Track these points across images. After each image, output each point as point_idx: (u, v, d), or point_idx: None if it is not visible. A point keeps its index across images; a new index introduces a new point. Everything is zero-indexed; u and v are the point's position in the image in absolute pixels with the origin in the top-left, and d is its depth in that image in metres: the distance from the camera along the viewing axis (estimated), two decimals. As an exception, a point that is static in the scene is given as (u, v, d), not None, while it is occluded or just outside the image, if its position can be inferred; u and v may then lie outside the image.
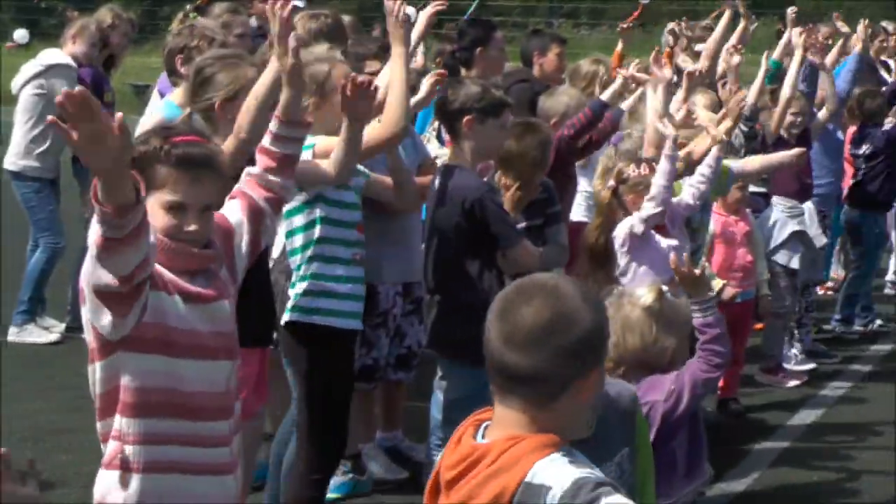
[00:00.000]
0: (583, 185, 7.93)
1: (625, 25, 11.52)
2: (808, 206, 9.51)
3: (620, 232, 6.28)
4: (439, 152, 7.16)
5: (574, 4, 33.80)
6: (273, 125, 4.38)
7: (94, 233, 3.57)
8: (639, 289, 4.87)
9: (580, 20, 33.81)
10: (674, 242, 6.35)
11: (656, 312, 4.59)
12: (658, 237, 6.35)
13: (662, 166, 6.33)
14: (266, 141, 4.36)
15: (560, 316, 2.77)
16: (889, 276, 12.26)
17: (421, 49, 11.45)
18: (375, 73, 6.59)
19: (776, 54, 9.60)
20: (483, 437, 2.88)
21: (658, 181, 6.28)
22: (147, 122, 6.50)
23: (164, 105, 6.59)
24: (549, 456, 2.77)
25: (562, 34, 11.03)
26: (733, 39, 9.63)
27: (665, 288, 4.78)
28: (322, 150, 5.53)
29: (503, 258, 6.12)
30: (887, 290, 12.12)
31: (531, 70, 8.83)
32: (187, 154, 3.96)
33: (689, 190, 6.84)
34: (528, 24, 25.29)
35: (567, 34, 28.58)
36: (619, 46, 11.35)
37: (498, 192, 6.25)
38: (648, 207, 6.25)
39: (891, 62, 12.94)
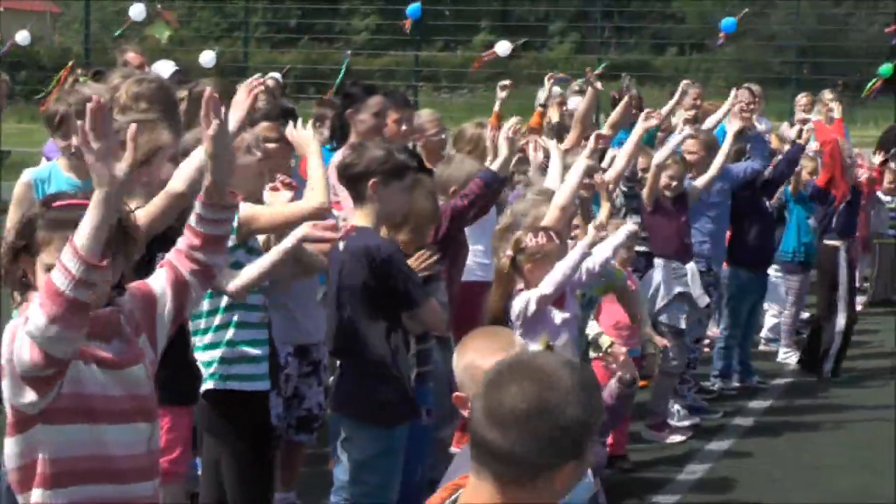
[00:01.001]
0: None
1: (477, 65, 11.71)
2: (691, 266, 9.70)
3: (516, 306, 6.37)
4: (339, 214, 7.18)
5: (434, 68, 34.13)
6: (197, 206, 4.23)
7: (47, 307, 3.59)
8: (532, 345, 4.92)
9: (440, 83, 34.16)
10: (567, 316, 6.46)
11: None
12: (553, 311, 6.43)
13: (573, 255, 6.45)
14: (192, 220, 4.22)
15: (545, 403, 2.73)
16: (763, 333, 12.53)
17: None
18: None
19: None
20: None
21: (563, 266, 6.38)
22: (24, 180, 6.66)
23: (50, 168, 6.65)
24: None
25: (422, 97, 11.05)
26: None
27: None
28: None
29: (410, 318, 6.17)
30: (762, 347, 12.38)
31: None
32: (59, 217, 3.94)
33: (592, 260, 6.97)
34: (388, 87, 25.53)
35: (427, 97, 29.05)
36: (497, 106, 11.53)
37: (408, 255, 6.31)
38: (546, 288, 6.32)
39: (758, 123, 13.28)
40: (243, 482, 5.74)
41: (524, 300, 6.34)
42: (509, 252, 6.51)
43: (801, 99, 15.57)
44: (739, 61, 36.98)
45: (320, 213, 5.96)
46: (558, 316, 6.42)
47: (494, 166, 7.37)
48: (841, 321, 11.47)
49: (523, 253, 6.47)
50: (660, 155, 9.58)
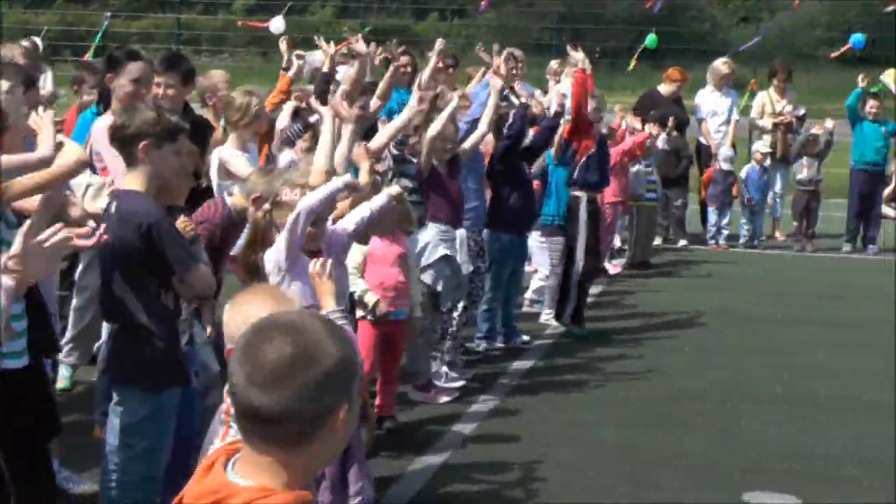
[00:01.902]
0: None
1: None
2: (461, 232, 9.85)
3: (271, 257, 6.39)
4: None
5: (194, 32, 33.69)
6: None
7: None
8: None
9: (201, 47, 33.75)
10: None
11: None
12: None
13: (320, 191, 6.52)
14: None
15: (303, 351, 2.68)
16: (528, 294, 12.79)
17: (50, 76, 11.29)
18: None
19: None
20: (234, 469, 2.79)
21: (312, 198, 6.45)
22: None
23: None
24: None
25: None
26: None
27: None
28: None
29: (180, 282, 6.13)
30: (525, 308, 12.64)
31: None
32: None
33: (351, 217, 7.07)
34: (148, 50, 25.11)
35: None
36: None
37: (175, 219, 6.27)
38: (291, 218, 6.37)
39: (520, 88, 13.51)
40: (7, 460, 5.63)
41: (276, 249, 6.37)
42: (267, 206, 6.56)
43: (553, 65, 15.89)
44: (500, 27, 37.42)
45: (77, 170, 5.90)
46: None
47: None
48: (577, 271, 11.74)
49: (279, 207, 6.51)
50: (435, 125, 9.66)
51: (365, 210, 7.04)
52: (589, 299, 13.35)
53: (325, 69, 10.85)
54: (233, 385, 2.71)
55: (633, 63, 20.89)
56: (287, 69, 11.86)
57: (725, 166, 17.27)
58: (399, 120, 9.08)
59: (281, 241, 6.37)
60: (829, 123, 17.45)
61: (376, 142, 8.68)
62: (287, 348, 2.67)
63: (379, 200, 7.17)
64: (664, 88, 17.54)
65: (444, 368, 9.86)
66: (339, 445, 2.81)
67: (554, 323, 12.10)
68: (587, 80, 11.77)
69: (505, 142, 10.85)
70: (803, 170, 17.35)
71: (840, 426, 9.14)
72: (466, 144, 10.10)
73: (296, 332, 2.71)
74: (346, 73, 11.38)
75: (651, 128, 15.64)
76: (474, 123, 10.35)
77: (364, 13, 29.99)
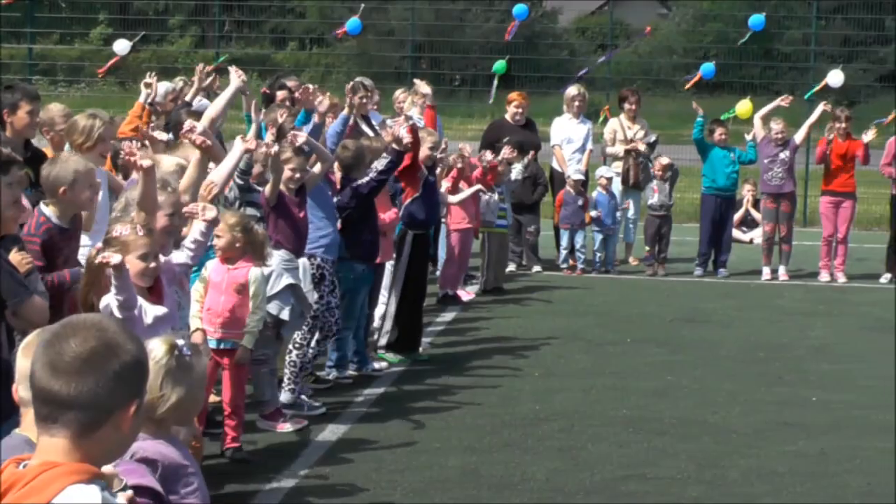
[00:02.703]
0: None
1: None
2: (303, 261, 9.86)
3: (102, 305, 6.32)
4: None
5: (50, 62, 33.30)
6: None
7: None
8: (152, 341, 4.91)
9: (57, 77, 33.34)
10: (161, 313, 6.45)
11: (165, 366, 4.54)
12: (145, 308, 6.41)
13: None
14: None
15: (104, 344, 2.96)
16: (375, 323, 12.79)
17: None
18: None
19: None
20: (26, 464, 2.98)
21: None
22: None
23: None
24: (84, 483, 2.90)
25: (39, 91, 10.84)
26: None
27: (181, 342, 4.80)
28: None
29: (13, 315, 6.06)
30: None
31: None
32: None
33: (184, 252, 7.06)
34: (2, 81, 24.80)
35: (43, 91, 28.28)
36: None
37: (8, 250, 6.20)
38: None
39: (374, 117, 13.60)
40: None
41: (106, 303, 6.27)
42: (99, 244, 6.51)
43: (399, 94, 16.01)
44: (360, 56, 37.51)
45: None
46: (150, 313, 6.38)
47: None
48: (394, 302, 11.84)
49: (110, 244, 6.44)
50: (288, 151, 9.66)
51: (189, 241, 7.05)
52: (441, 326, 13.49)
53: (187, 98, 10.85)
54: (34, 373, 2.98)
55: (494, 92, 21.05)
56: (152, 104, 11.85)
57: (577, 177, 17.35)
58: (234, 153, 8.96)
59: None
60: (665, 160, 17.87)
61: (218, 173, 8.64)
62: (91, 341, 2.96)
63: (194, 232, 7.17)
64: (509, 114, 17.68)
65: (304, 397, 9.90)
66: (125, 442, 3.06)
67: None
68: (431, 118, 12.00)
69: (373, 182, 10.83)
70: (654, 195, 17.61)
71: (685, 448, 9.28)
72: (315, 170, 10.12)
73: (99, 328, 3.00)
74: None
75: (506, 153, 15.81)
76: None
77: (221, 42, 29.86)
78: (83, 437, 2.94)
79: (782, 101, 17.67)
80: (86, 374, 2.93)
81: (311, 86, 10.90)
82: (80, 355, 2.94)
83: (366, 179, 10.77)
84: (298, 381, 10.05)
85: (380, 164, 10.79)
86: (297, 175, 9.75)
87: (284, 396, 9.85)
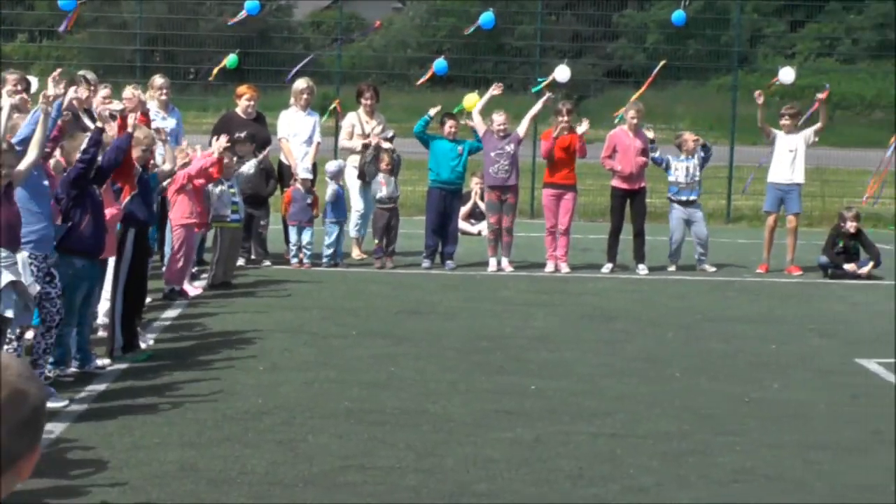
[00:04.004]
0: None
1: None
2: (22, 255, 9.69)
3: None
4: None
5: None
6: None
7: None
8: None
9: None
10: None
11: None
12: None
13: None
14: None
15: (15, 387, 2.71)
16: (99, 320, 12.65)
17: None
18: None
19: None
20: None
21: None
22: None
23: None
24: None
25: None
26: None
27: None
28: None
29: None
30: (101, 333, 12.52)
31: None
32: None
33: None
34: None
35: None
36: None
37: None
38: None
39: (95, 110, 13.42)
40: None
41: None
42: None
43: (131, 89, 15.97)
44: (91, 49, 36.83)
45: None
46: None
47: None
48: (119, 303, 11.75)
49: None
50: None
51: None
52: (167, 322, 13.41)
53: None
54: None
55: (212, 77, 21.06)
56: None
57: (305, 175, 17.48)
58: None
59: None
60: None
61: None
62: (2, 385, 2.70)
63: None
64: (240, 107, 17.72)
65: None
66: (13, 487, 2.81)
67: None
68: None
69: (77, 166, 10.73)
70: (382, 188, 17.80)
71: (404, 437, 9.45)
72: (21, 167, 9.93)
73: (7, 371, 2.72)
74: None
75: (240, 148, 15.81)
76: (23, 143, 10.16)
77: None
78: None
79: (495, 89, 18.12)
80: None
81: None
82: None
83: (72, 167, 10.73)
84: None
85: (82, 146, 10.73)
86: (3, 172, 9.59)
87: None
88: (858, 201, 23.81)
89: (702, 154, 18.60)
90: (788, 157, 18.63)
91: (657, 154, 18.35)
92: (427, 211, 18.10)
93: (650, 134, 18.34)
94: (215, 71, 21.19)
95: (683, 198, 18.47)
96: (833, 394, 11.29)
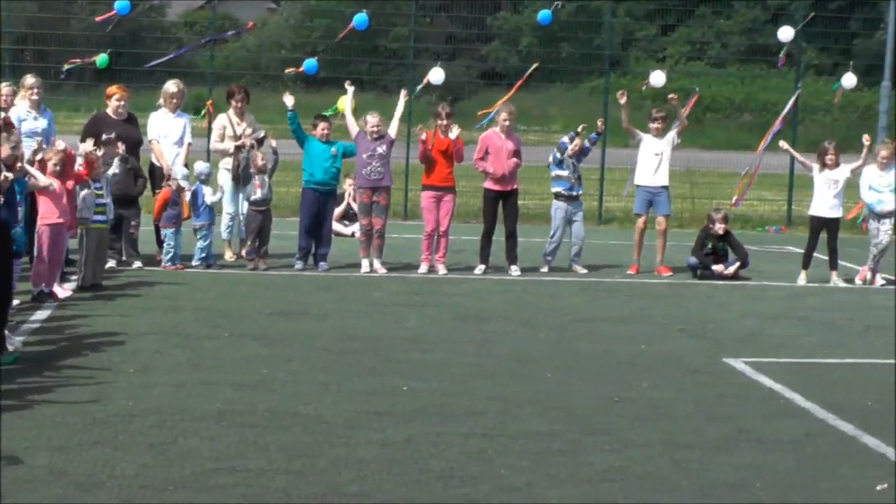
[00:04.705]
0: None
1: None
2: None
3: None
4: None
5: None
6: None
7: None
8: None
9: None
10: None
11: None
12: None
13: None
14: None
15: None
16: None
17: None
18: None
19: None
20: None
21: None
22: None
23: None
24: None
25: None
26: None
27: None
28: None
29: None
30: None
31: None
32: None
33: None
34: None
35: None
36: None
37: None
38: None
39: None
40: None
41: None
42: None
43: (4, 88, 15.80)
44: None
45: None
46: None
47: None
48: None
49: None
50: None
51: None
52: (35, 325, 13.25)
53: None
54: None
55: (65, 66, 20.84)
56: None
57: (184, 183, 17.42)
58: None
59: None
60: (274, 142, 18.09)
61: None
62: None
63: None
64: (110, 108, 17.58)
65: None
66: None
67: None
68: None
69: None
70: (257, 190, 17.72)
71: (275, 439, 9.42)
72: None
73: None
74: None
75: (109, 150, 15.69)
76: None
77: None
78: None
79: (348, 85, 18.20)
80: None
81: None
82: None
83: None
84: None
85: None
86: None
87: None
88: (727, 203, 24.22)
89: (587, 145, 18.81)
90: (654, 160, 18.91)
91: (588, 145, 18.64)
92: (301, 212, 18.07)
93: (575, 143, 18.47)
94: (76, 63, 20.87)
95: (574, 193, 18.66)
96: (701, 393, 11.47)
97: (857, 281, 18.75)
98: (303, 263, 17.81)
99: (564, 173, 18.60)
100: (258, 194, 17.69)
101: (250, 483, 8.40)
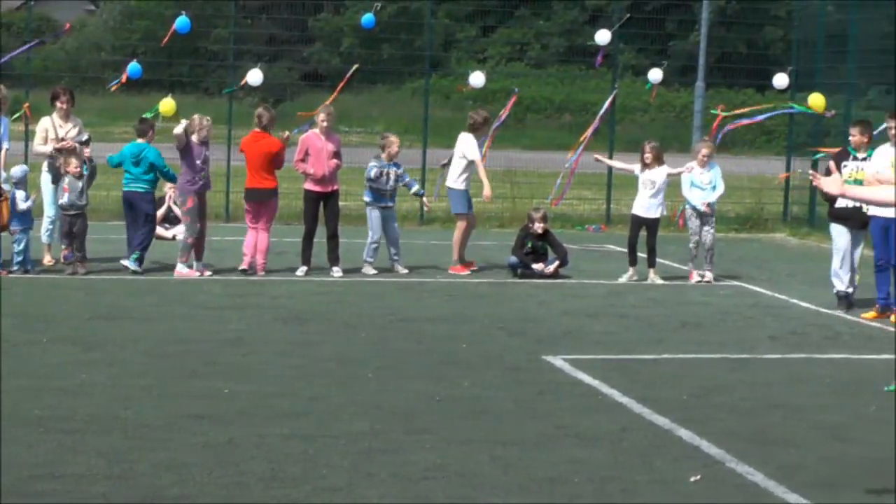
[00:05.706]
0: None
1: None
2: None
3: None
4: None
5: None
6: None
7: None
8: None
9: None
10: None
11: None
12: None
13: None
14: None
15: None
16: None
17: None
18: None
19: None
20: None
21: None
22: None
23: None
24: None
25: None
26: None
27: None
28: None
29: None
30: None
31: None
32: None
33: None
34: None
35: None
36: None
37: None
38: None
39: None
40: None
41: None
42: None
43: None
44: None
45: None
46: None
47: None
48: None
49: None
50: None
51: None
52: None
53: None
54: None
55: None
56: None
57: (6, 186, 17.11)
58: None
59: None
60: (88, 151, 17.92)
61: None
62: None
63: None
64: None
65: None
66: None
67: None
68: None
69: None
70: (64, 195, 17.38)
71: (95, 444, 9.34)
72: None
73: None
74: None
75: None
76: None
77: None
78: None
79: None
80: None
81: None
82: None
83: None
84: None
85: None
86: None
87: None
88: (547, 202, 24.59)
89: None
90: (461, 162, 19.25)
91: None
92: (126, 216, 17.92)
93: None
94: None
95: (390, 204, 18.87)
96: (520, 390, 11.66)
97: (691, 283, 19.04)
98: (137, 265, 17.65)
99: (385, 189, 18.80)
100: (65, 199, 17.37)
101: (69, 489, 8.34)
